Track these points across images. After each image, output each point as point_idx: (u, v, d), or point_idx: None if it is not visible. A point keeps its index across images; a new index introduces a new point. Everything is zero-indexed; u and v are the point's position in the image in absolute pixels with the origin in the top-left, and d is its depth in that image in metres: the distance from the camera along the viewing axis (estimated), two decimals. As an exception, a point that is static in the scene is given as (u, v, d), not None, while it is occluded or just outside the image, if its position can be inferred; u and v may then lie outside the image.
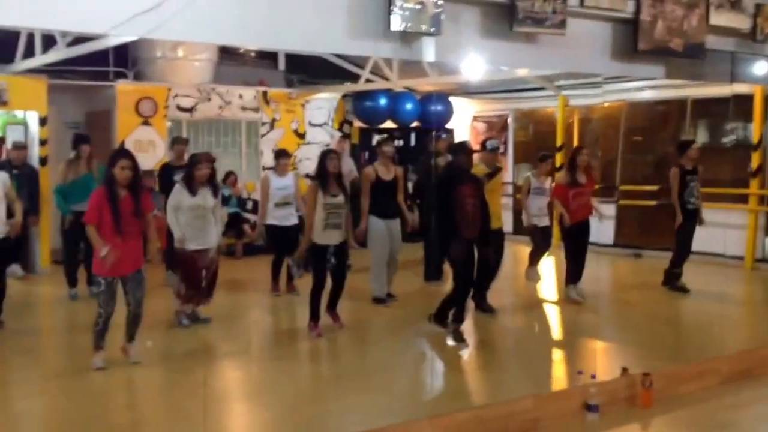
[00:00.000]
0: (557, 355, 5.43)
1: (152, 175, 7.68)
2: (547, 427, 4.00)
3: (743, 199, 8.53)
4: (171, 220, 5.56)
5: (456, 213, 5.18)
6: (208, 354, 5.17)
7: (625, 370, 4.45)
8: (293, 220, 6.98)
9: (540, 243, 7.36)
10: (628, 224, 9.68)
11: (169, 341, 5.42)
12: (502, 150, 6.64)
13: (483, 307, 6.23)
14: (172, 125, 9.43)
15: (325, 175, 5.49)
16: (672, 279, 7.19)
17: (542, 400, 4.10)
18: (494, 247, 5.92)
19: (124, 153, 4.80)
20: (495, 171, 6.16)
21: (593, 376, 4.24)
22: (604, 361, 5.15)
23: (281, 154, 7.15)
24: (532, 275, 7.44)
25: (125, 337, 4.88)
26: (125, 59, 9.23)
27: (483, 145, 6.23)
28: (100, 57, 8.31)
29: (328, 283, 5.60)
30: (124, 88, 9.03)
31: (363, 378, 4.80)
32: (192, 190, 5.50)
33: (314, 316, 5.55)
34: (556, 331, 6.29)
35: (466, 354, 5.35)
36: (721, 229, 7.28)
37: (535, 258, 7.34)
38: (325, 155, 5.62)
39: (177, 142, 7.29)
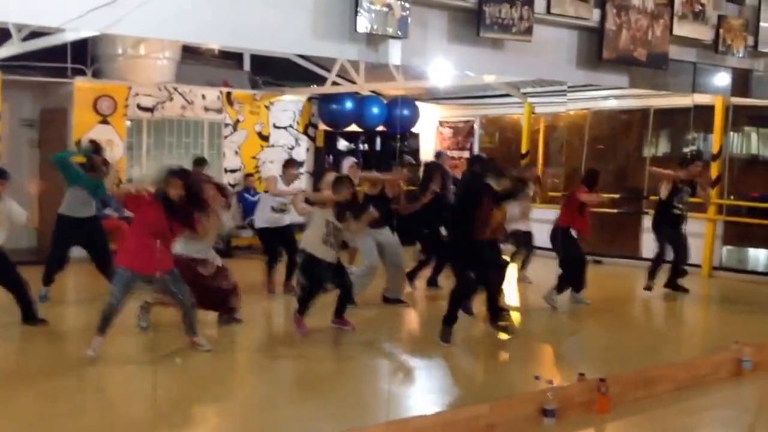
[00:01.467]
0: (515, 360, 5.48)
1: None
2: (504, 433, 4.02)
3: (701, 207, 8.77)
4: None
5: (479, 216, 5.45)
6: (164, 360, 5.04)
7: (581, 375, 4.50)
8: (287, 221, 7.10)
9: (523, 247, 7.50)
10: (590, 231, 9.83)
11: (123, 346, 5.28)
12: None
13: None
14: (132, 125, 9.28)
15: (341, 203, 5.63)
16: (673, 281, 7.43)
17: (499, 406, 4.12)
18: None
19: (177, 173, 4.92)
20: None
21: (550, 382, 4.29)
22: (561, 366, 5.22)
23: (291, 164, 7.29)
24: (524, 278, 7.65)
25: (188, 335, 5.08)
26: (84, 56, 9.05)
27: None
28: (57, 53, 8.19)
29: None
30: (82, 86, 8.85)
31: (323, 384, 4.76)
32: None
33: (302, 311, 5.60)
34: (516, 337, 6.33)
35: (425, 360, 5.37)
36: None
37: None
38: (339, 184, 5.71)
39: (198, 164, 7.34)
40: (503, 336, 5.70)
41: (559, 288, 6.75)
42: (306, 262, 5.61)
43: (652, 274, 7.35)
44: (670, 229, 7.26)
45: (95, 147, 6.79)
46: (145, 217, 4.80)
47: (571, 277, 6.76)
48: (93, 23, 3.41)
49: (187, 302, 4.99)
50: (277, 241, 7.06)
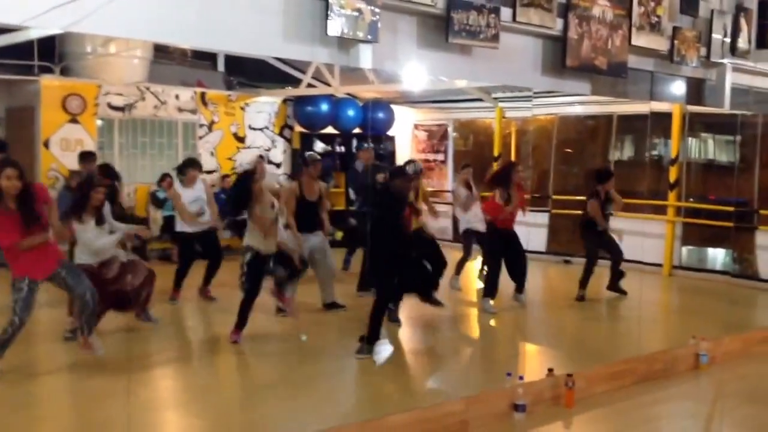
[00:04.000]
0: (488, 358, 5.57)
1: (80, 176, 7.39)
2: (476, 428, 4.10)
3: (662, 210, 9.01)
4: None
5: (395, 234, 5.37)
6: (139, 362, 5.02)
7: (550, 371, 4.61)
8: (205, 226, 6.78)
9: (469, 249, 7.55)
10: (559, 232, 10.03)
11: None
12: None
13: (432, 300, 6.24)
14: (103, 124, 9.11)
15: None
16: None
17: (472, 402, 4.19)
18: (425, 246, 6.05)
19: (8, 162, 4.44)
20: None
21: (521, 378, 4.38)
22: (532, 363, 5.33)
23: (189, 165, 6.88)
24: (455, 284, 7.58)
25: (84, 332, 4.71)
26: (52, 53, 8.79)
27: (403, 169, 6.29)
28: (23, 50, 7.91)
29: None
30: (50, 84, 8.60)
31: (295, 385, 4.78)
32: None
33: (241, 325, 5.49)
34: (488, 335, 6.45)
35: (398, 359, 5.42)
36: (640, 238, 7.68)
37: (461, 266, 7.54)
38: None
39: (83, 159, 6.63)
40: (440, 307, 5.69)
41: (486, 292, 6.81)
42: (252, 258, 5.46)
43: (583, 283, 7.36)
44: (597, 234, 7.33)
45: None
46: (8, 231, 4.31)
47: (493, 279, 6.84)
48: (55, 21, 3.27)
49: (86, 295, 4.61)
50: (192, 247, 6.76)
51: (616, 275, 7.50)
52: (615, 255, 7.46)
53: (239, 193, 5.53)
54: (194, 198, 6.70)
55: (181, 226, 6.80)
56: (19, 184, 4.33)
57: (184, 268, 6.83)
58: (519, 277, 6.92)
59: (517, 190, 6.87)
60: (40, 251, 4.45)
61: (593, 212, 7.26)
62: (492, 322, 6.76)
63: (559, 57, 4.98)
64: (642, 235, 7.86)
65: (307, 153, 7.01)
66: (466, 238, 7.63)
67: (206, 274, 6.87)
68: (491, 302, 6.77)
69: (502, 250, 6.83)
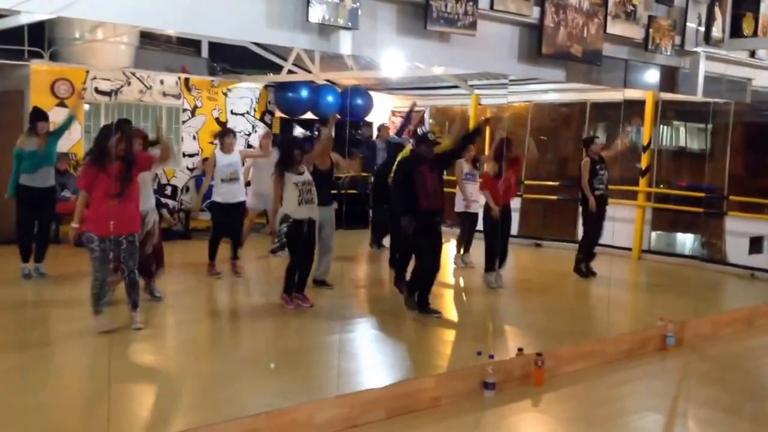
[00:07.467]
0: (460, 337, 5.56)
1: (67, 158, 7.34)
2: (447, 405, 4.08)
3: (632, 195, 9.03)
4: None
5: (417, 187, 5.53)
6: (120, 337, 4.93)
7: (520, 350, 4.60)
8: (241, 197, 6.97)
9: (467, 229, 7.54)
10: (530, 216, 10.03)
11: (80, 323, 5.13)
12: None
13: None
14: (90, 108, 8.99)
15: (289, 161, 5.75)
16: (578, 264, 7.53)
17: (443, 380, 4.18)
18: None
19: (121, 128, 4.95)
20: None
21: (491, 356, 4.37)
22: (502, 342, 5.33)
23: (226, 134, 7.11)
24: (458, 262, 7.59)
25: (129, 306, 5.00)
26: (41, 39, 8.72)
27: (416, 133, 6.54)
28: (13, 35, 7.91)
29: None
30: (39, 69, 8.54)
31: (274, 359, 4.73)
32: None
33: (288, 289, 5.74)
34: (461, 315, 6.44)
35: (373, 336, 5.39)
36: (610, 222, 7.70)
37: (461, 244, 7.53)
38: (291, 146, 5.90)
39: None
40: (437, 316, 5.72)
41: (488, 267, 6.85)
42: (289, 227, 5.67)
43: (589, 258, 7.46)
44: (593, 212, 7.39)
45: (39, 114, 6.68)
46: (100, 185, 4.76)
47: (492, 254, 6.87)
48: (45, 6, 3.31)
49: (131, 275, 4.94)
50: (225, 218, 6.91)
51: (583, 258, 7.50)
52: (594, 236, 7.47)
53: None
54: (229, 162, 6.88)
55: (214, 196, 6.93)
56: (125, 146, 4.87)
57: (217, 238, 6.93)
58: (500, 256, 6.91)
59: (509, 166, 6.88)
60: (117, 214, 4.83)
61: (582, 168, 7.39)
62: (465, 302, 6.76)
63: (536, 44, 4.92)
64: (612, 220, 7.87)
65: (321, 127, 7.05)
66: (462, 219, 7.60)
67: (232, 248, 6.98)
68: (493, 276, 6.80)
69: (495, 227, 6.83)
